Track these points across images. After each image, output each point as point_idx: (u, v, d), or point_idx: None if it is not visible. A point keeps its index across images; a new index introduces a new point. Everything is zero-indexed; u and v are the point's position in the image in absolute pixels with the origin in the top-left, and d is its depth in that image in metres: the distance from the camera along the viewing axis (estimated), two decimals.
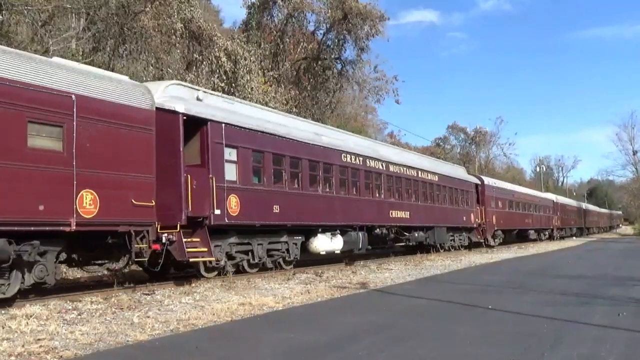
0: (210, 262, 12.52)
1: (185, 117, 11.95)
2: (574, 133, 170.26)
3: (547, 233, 45.50)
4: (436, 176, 24.89)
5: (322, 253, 16.54)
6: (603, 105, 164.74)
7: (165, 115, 11.63)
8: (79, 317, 8.17)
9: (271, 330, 7.30)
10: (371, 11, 30.59)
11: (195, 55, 24.10)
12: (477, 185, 30.35)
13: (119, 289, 10.87)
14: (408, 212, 21.50)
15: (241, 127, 13.52)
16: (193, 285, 11.97)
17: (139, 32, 22.22)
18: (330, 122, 32.15)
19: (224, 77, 23.98)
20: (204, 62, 24.15)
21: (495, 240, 32.25)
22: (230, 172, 13.07)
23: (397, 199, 21.05)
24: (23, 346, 6.15)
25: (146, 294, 10.51)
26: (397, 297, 10.55)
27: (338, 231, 17.09)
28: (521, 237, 38.61)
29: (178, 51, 24.52)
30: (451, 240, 26.43)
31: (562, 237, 49.87)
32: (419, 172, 23.25)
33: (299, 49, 33.19)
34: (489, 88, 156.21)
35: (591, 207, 77.27)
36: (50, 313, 8.31)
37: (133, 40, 22.32)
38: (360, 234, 18.17)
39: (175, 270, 13.61)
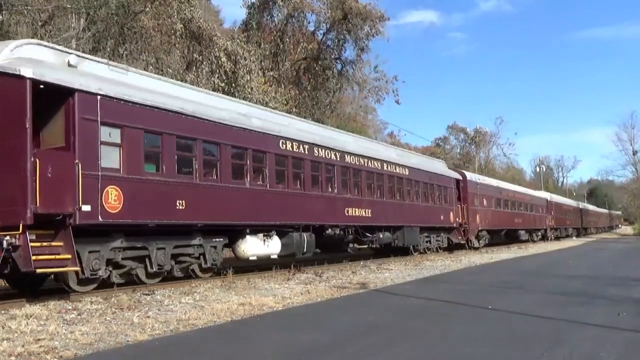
0: (83, 272, 9.97)
1: (42, 85, 9.34)
2: (574, 133, 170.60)
3: (539, 234, 43.08)
4: (406, 169, 21.99)
5: (251, 258, 14.17)
6: (603, 105, 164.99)
7: (7, 81, 9.21)
8: (79, 317, 8.16)
9: (271, 330, 7.30)
10: (371, 11, 30.66)
11: (195, 55, 24.15)
12: (457, 180, 27.45)
13: (119, 289, 10.86)
14: (370, 210, 18.69)
15: (128, 102, 10.67)
16: (193, 285, 11.96)
17: (139, 32, 22.26)
18: (330, 122, 32.15)
19: (224, 77, 24.04)
20: (204, 62, 24.21)
21: (480, 241, 29.61)
22: (110, 158, 10.34)
23: (355, 194, 18.25)
24: (23, 346, 6.15)
25: (146, 294, 10.50)
26: (397, 297, 10.55)
27: (274, 232, 14.63)
28: (511, 237, 36.78)
29: (178, 51, 24.56)
30: (426, 242, 23.74)
31: (557, 238, 47.62)
32: (385, 165, 20.34)
33: (299, 49, 33.24)
34: (489, 88, 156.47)
35: (589, 206, 76.26)
36: (50, 313, 8.30)
37: (133, 40, 22.36)
38: (304, 235, 15.56)
39: (56, 282, 10.97)
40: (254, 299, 9.83)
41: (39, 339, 6.49)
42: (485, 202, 30.61)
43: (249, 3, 30.89)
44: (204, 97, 13.75)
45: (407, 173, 22.02)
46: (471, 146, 79.35)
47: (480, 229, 29.19)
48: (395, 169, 21.25)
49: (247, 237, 13.88)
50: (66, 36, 20.80)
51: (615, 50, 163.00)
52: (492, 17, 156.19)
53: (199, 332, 7.22)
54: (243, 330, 7.35)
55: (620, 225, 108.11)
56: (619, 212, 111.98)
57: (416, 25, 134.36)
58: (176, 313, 8.51)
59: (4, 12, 18.49)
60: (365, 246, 20.14)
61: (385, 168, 20.36)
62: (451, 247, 26.47)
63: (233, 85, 24.05)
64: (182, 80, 20.70)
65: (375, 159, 19.77)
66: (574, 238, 53.29)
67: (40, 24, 20.31)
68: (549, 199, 46.98)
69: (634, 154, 67.97)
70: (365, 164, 19.02)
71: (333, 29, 31.91)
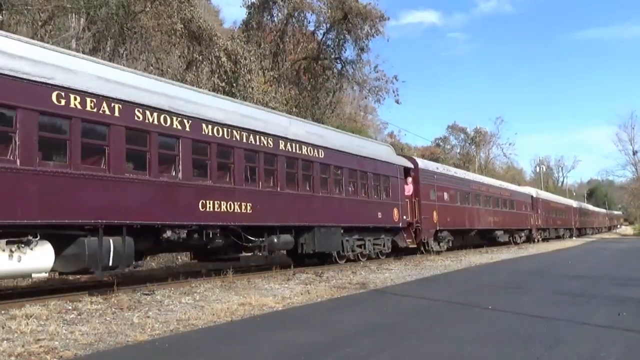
0: None
1: None
2: (574, 133, 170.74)
3: (523, 234, 38.28)
4: (321, 151, 16.60)
5: None
6: (603, 105, 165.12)
7: None
8: (79, 317, 8.16)
9: (271, 330, 7.30)
10: (371, 11, 30.65)
11: (195, 55, 24.14)
12: (407, 169, 22.07)
13: (119, 289, 10.85)
14: (250, 205, 13.53)
15: None
16: (193, 285, 11.96)
17: (139, 32, 22.26)
18: (330, 122, 32.12)
19: (224, 77, 24.02)
20: (204, 62, 24.20)
21: (441, 244, 24.56)
22: None
23: (223, 182, 13.09)
24: (23, 346, 6.14)
25: (146, 294, 10.50)
26: (397, 297, 10.55)
27: (36, 237, 9.33)
28: (487, 239, 32.07)
29: (178, 51, 24.57)
30: (359, 247, 18.81)
31: (545, 239, 42.88)
32: (282, 143, 15.03)
33: (299, 49, 33.23)
34: (489, 88, 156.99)
35: (585, 205, 73.90)
36: (50, 313, 8.30)
37: (133, 40, 22.38)
38: (111, 241, 10.33)
39: None
40: (254, 299, 9.83)
41: (39, 339, 6.49)
42: (446, 197, 25.36)
43: (249, 3, 30.87)
44: None
45: (321, 156, 16.62)
46: (471, 146, 79.45)
47: (438, 228, 24.02)
48: (302, 149, 15.83)
49: None
50: (66, 36, 20.82)
51: (615, 50, 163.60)
52: (492, 18, 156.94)
53: (199, 332, 7.21)
54: (243, 330, 7.35)
55: (620, 226, 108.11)
56: (619, 212, 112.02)
57: (417, 25, 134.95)
58: (176, 313, 8.51)
59: (4, 12, 18.48)
60: (250, 254, 14.71)
61: (282, 147, 15.02)
62: (400, 252, 21.56)
63: (233, 85, 24.04)
64: (181, 81, 20.69)
65: (262, 134, 14.31)
66: (574, 238, 53.15)
67: (40, 24, 20.31)
68: (534, 195, 41.97)
69: (634, 154, 68.20)
70: (244, 140, 13.68)
71: (333, 29, 31.89)
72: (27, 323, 7.40)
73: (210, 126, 12.76)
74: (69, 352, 5.99)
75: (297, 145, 15.70)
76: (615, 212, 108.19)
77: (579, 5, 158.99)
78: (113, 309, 8.77)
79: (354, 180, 18.51)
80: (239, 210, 13.38)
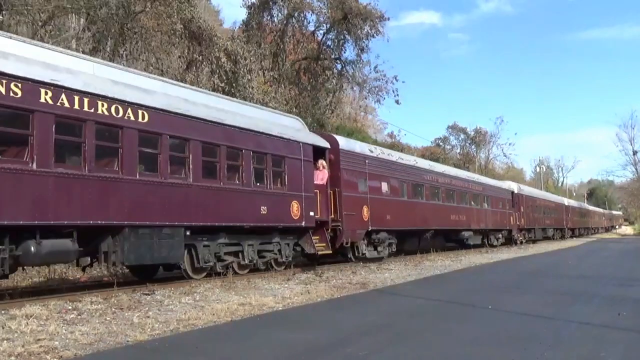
0: None
1: None
2: (574, 133, 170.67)
3: (501, 236, 33.39)
4: (142, 112, 10.97)
5: None
6: (603, 105, 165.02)
7: None
8: (79, 317, 8.16)
9: (271, 330, 7.30)
10: (371, 11, 30.63)
11: (195, 55, 24.15)
12: (319, 150, 16.64)
13: (119, 289, 10.85)
14: None
15: None
16: (193, 285, 11.95)
17: (139, 32, 22.27)
18: (330, 122, 32.10)
19: (224, 77, 24.02)
20: (204, 62, 24.21)
21: (379, 248, 19.13)
22: None
23: None
24: (23, 346, 6.14)
25: (146, 294, 10.50)
26: (397, 297, 10.56)
27: None
28: (454, 241, 27.66)
29: (178, 51, 24.59)
30: (232, 254, 13.66)
31: (532, 241, 38.48)
32: (46, 93, 9.36)
33: (299, 49, 33.22)
34: (489, 88, 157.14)
35: (580, 204, 71.06)
36: (50, 313, 8.29)
37: (133, 40, 22.37)
38: None
39: None
40: (254, 299, 9.83)
41: (39, 339, 6.49)
42: (385, 188, 19.90)
43: (249, 3, 30.84)
44: None
45: (143, 120, 10.99)
46: (471, 146, 79.48)
47: (372, 229, 18.50)
48: (98, 107, 10.18)
49: None
50: (66, 36, 20.83)
51: (615, 51, 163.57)
52: (492, 18, 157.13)
53: (199, 332, 7.21)
54: (243, 330, 7.35)
55: (619, 226, 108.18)
56: (619, 212, 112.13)
57: (417, 26, 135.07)
58: (176, 313, 8.52)
59: (4, 12, 18.49)
60: None
61: (46, 100, 9.40)
62: (314, 261, 17.10)
63: (233, 85, 24.03)
64: (182, 80, 20.71)
65: None
66: (574, 239, 53.13)
67: (40, 24, 20.31)
68: (515, 191, 36.38)
69: (634, 154, 68.24)
70: None
71: (333, 29, 31.87)
72: (27, 323, 7.40)
73: None
74: (69, 352, 5.99)
75: (88, 100, 10.02)
76: (615, 212, 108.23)
77: (579, 6, 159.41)
78: (113, 309, 8.77)
79: (214, 160, 12.85)
80: None
